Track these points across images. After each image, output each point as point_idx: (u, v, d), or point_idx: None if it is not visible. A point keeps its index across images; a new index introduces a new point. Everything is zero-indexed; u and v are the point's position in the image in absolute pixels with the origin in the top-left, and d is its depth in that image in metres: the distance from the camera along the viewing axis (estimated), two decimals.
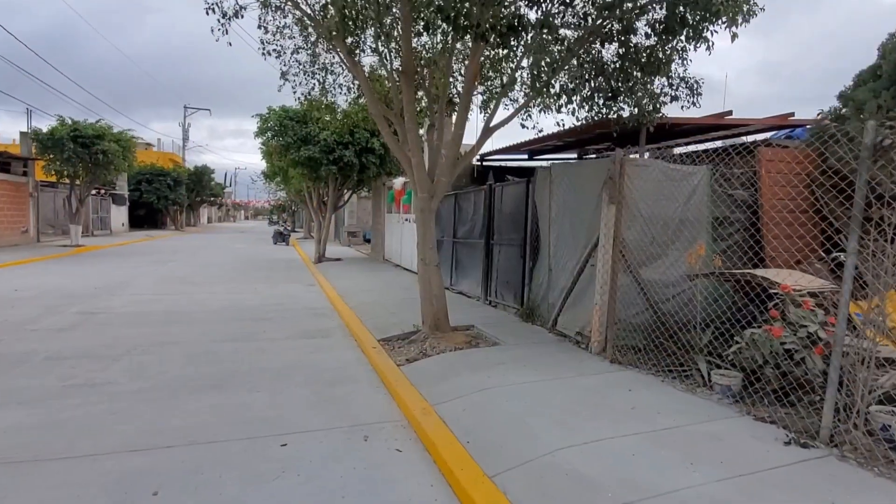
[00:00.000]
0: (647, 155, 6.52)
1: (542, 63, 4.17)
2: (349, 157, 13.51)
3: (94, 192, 26.68)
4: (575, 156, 13.28)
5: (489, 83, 7.24)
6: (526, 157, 11.87)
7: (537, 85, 4.28)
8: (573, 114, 4.98)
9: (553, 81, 4.47)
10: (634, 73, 4.42)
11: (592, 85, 4.46)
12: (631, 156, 4.93)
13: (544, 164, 13.03)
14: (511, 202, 7.53)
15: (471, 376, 4.48)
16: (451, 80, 6.32)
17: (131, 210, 33.56)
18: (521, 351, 5.30)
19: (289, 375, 4.79)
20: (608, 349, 5.05)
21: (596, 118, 5.45)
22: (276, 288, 10.42)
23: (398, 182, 14.00)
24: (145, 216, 35.76)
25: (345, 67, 6.73)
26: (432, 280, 5.76)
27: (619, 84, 4.49)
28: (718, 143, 6.80)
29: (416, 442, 3.50)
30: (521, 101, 7.31)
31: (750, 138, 7.38)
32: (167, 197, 34.08)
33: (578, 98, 4.65)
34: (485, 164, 11.43)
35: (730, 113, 7.14)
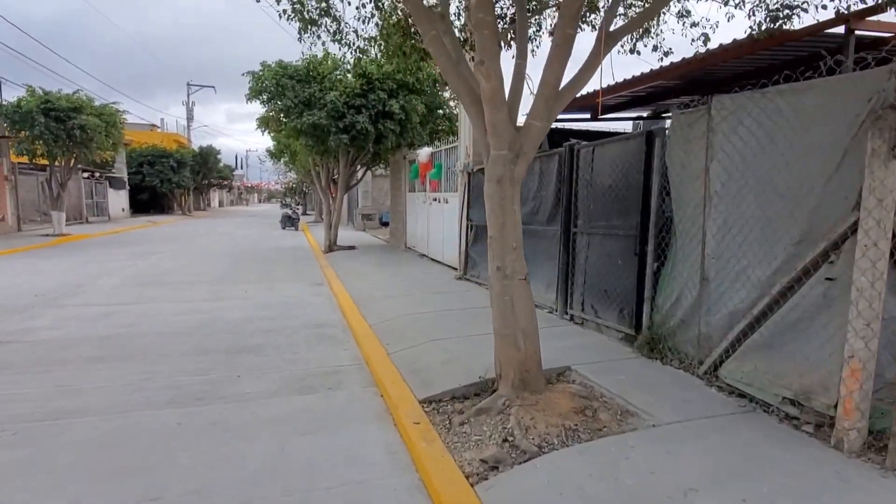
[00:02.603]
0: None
1: None
2: (363, 123, 10.93)
3: (86, 175, 24.62)
4: (644, 115, 10.64)
5: None
6: (588, 116, 9.25)
7: None
8: None
9: None
10: None
11: None
12: None
13: (616, 125, 10.36)
14: (611, 170, 4.97)
15: None
16: None
17: (133, 194, 31.50)
18: (698, 446, 2.81)
19: None
20: (891, 453, 2.53)
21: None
22: (273, 290, 8.04)
23: (423, 153, 11.38)
24: (149, 201, 33.75)
25: None
26: (517, 304, 3.27)
27: None
28: None
29: None
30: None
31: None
32: (170, 180, 31.94)
33: None
34: None
35: None
